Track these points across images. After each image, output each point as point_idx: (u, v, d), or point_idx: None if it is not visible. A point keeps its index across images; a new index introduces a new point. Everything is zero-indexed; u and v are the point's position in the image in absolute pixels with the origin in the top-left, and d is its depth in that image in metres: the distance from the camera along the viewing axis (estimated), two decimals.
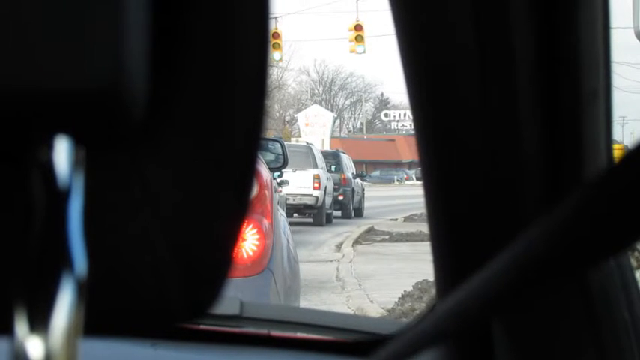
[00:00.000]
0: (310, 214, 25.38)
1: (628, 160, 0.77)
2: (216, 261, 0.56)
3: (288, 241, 5.94)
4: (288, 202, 22.48)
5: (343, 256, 18.12)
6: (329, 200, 26.17)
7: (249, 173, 0.55)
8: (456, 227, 1.16)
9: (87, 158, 0.52)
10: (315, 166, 25.15)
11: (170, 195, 0.55)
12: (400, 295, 11.63)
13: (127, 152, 0.54)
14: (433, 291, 1.25)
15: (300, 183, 24.17)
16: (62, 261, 0.50)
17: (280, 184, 19.78)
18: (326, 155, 31.55)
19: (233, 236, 0.56)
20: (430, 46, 1.09)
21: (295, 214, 24.67)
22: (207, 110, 0.54)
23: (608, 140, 1.12)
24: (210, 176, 0.55)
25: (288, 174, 21.36)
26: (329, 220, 26.24)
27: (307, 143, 27.86)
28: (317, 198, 24.87)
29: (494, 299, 0.93)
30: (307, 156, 25.10)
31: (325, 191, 25.37)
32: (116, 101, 0.49)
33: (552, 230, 0.86)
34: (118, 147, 0.53)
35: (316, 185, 24.81)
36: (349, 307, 11.49)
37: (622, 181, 0.78)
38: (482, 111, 1.09)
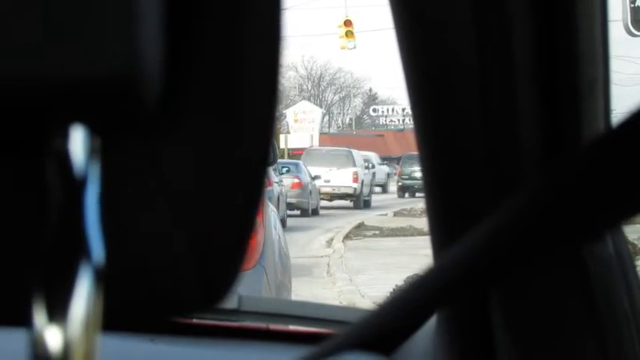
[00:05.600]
0: (351, 200, 33.85)
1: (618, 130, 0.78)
2: (231, 251, 0.57)
3: (279, 237, 5.95)
4: (334, 191, 32.97)
5: (334, 251, 18.14)
6: (366, 190, 34.76)
7: (263, 163, 0.55)
8: (454, 219, 1.16)
9: (102, 147, 0.52)
10: (354, 165, 34.05)
11: (185, 184, 0.55)
12: (391, 290, 11.62)
13: (142, 141, 0.54)
14: None
15: (342, 177, 33.27)
16: (79, 250, 0.50)
17: (314, 178, 28.82)
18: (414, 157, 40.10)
19: (247, 227, 0.56)
20: (429, 38, 1.09)
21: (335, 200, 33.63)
22: (222, 98, 0.54)
23: (607, 129, 1.12)
24: (224, 165, 0.55)
25: (333, 171, 32.86)
26: (367, 205, 34.28)
27: (347, 148, 37.00)
28: (355, 189, 33.42)
29: (483, 261, 0.93)
30: (348, 158, 34.55)
31: (362, 183, 33.96)
32: (131, 89, 0.49)
33: (540, 197, 0.86)
34: (133, 136, 0.53)
35: (355, 179, 33.42)
36: (341, 303, 11.49)
37: (613, 150, 0.78)
38: (481, 101, 1.09)
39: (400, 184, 42.24)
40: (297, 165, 29.34)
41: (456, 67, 1.09)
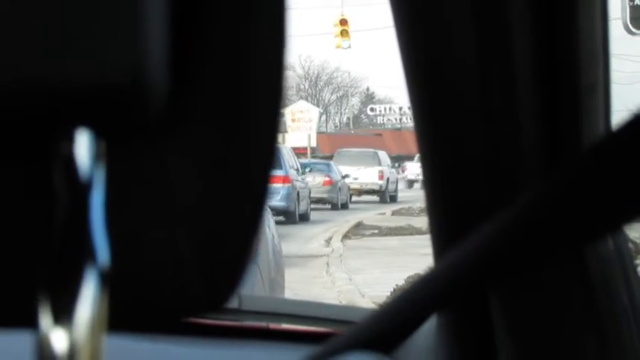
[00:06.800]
0: (377, 195, 38.28)
1: (621, 133, 0.78)
2: (236, 253, 0.57)
3: (272, 235, 6.01)
4: (362, 187, 37.55)
5: (332, 250, 18.13)
6: (392, 187, 39.48)
7: (269, 162, 0.56)
8: (454, 215, 1.16)
9: (108, 151, 0.53)
10: (380, 164, 38.55)
11: (190, 188, 0.55)
12: (392, 290, 11.62)
13: (147, 145, 0.54)
14: None
15: (369, 175, 37.77)
16: (85, 253, 0.51)
17: (344, 177, 32.79)
18: None
19: (252, 229, 0.57)
20: (430, 39, 1.09)
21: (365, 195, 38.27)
22: (227, 101, 0.54)
23: (607, 131, 1.12)
24: (229, 169, 0.56)
25: (361, 170, 37.18)
26: (394, 200, 38.61)
27: (374, 149, 41.94)
28: (380, 185, 38.17)
29: (484, 264, 0.94)
30: (374, 158, 38.95)
31: (388, 181, 38.55)
32: (137, 94, 0.50)
33: (542, 199, 0.87)
34: (139, 139, 0.54)
35: (380, 176, 37.94)
36: (340, 303, 11.49)
37: (613, 153, 0.79)
38: (481, 104, 1.09)
39: None
40: (328, 165, 33.51)
41: (456, 65, 1.09)
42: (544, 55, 1.07)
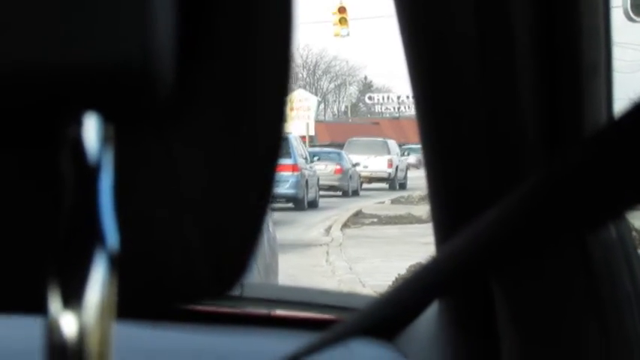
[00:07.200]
0: (387, 183, 39.72)
1: (622, 120, 0.78)
2: (242, 240, 0.57)
3: (268, 222, 6.06)
4: (372, 175, 38.74)
5: (332, 239, 18.13)
6: (400, 175, 40.89)
7: (276, 152, 0.56)
8: (457, 207, 1.17)
9: (116, 135, 0.52)
10: (389, 153, 39.89)
11: (197, 174, 0.55)
12: (393, 279, 11.62)
13: (154, 132, 0.54)
14: None
15: (378, 163, 39.25)
16: (94, 237, 0.51)
17: (354, 165, 34.17)
18: None
19: (259, 216, 0.57)
20: (430, 19, 1.09)
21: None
22: (234, 89, 0.54)
23: (609, 115, 1.12)
24: (236, 157, 0.56)
25: (370, 158, 38.80)
26: (403, 187, 39.56)
27: (384, 139, 43.23)
28: (389, 173, 39.73)
29: (486, 252, 0.94)
30: (383, 147, 40.44)
31: (397, 169, 40.16)
32: (144, 77, 0.50)
33: (544, 186, 0.87)
34: (146, 123, 0.54)
35: (389, 165, 39.45)
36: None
37: (615, 141, 0.79)
38: (482, 85, 1.09)
39: None
40: (339, 153, 34.71)
41: (456, 49, 1.09)
42: (545, 38, 1.07)
